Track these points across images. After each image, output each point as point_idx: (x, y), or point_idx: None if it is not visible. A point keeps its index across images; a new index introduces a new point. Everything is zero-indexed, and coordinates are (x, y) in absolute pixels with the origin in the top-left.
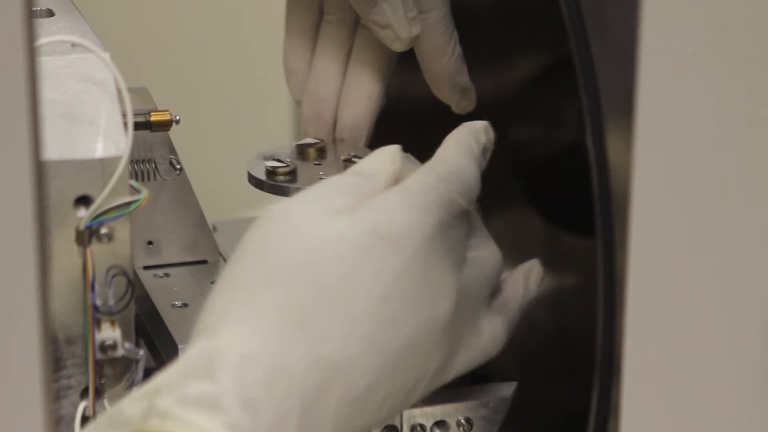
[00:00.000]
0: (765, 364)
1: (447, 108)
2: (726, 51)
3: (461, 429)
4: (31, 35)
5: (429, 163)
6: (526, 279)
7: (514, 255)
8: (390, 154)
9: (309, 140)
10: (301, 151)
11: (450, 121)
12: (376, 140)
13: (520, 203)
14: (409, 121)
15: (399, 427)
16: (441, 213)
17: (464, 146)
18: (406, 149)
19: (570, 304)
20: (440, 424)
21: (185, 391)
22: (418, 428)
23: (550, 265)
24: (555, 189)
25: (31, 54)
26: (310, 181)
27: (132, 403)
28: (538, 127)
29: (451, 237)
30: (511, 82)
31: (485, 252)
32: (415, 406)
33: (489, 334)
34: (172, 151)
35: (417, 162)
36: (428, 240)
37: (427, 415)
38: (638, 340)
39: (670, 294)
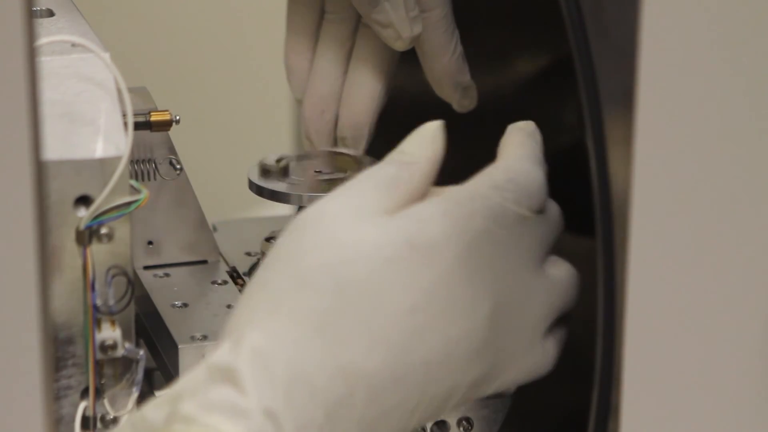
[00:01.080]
0: (765, 364)
1: (448, 106)
2: (726, 51)
3: (461, 429)
4: (31, 35)
5: (487, 169)
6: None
7: None
8: (431, 134)
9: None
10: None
11: (450, 119)
12: (377, 140)
13: None
14: (410, 120)
15: None
16: (487, 223)
17: (527, 150)
18: None
19: None
20: (440, 423)
21: (208, 397)
22: (419, 429)
23: None
24: (555, 189)
25: (31, 54)
26: (308, 184)
27: (154, 408)
28: (538, 127)
29: (502, 248)
30: (511, 82)
31: (558, 271)
32: None
33: (541, 354)
34: (172, 151)
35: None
36: (466, 251)
37: None
38: (638, 340)
39: (669, 294)
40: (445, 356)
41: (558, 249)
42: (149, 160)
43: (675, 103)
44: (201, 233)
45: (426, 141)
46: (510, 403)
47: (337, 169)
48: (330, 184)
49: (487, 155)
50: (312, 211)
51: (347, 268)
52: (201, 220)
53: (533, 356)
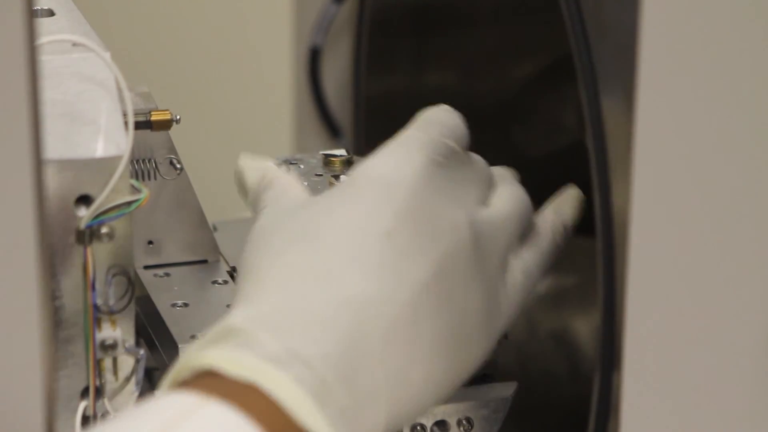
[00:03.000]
0: (765, 364)
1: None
2: (726, 51)
3: (461, 429)
4: (31, 35)
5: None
6: (559, 205)
7: None
8: None
9: (336, 152)
10: (327, 161)
11: None
12: (378, 139)
13: None
14: (410, 120)
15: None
16: (429, 152)
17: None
18: None
19: (570, 304)
20: (440, 423)
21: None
22: (419, 428)
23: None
24: (555, 189)
25: (32, 53)
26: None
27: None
28: (538, 127)
29: (450, 175)
30: (511, 82)
31: (507, 191)
32: None
33: (520, 271)
34: (173, 150)
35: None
36: (421, 177)
37: (427, 414)
38: (638, 340)
39: (669, 293)
40: (439, 274)
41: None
42: (149, 160)
43: (675, 102)
44: (201, 233)
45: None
46: (510, 402)
47: (332, 171)
48: (329, 186)
49: (488, 155)
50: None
51: (311, 217)
52: (201, 220)
53: (512, 274)
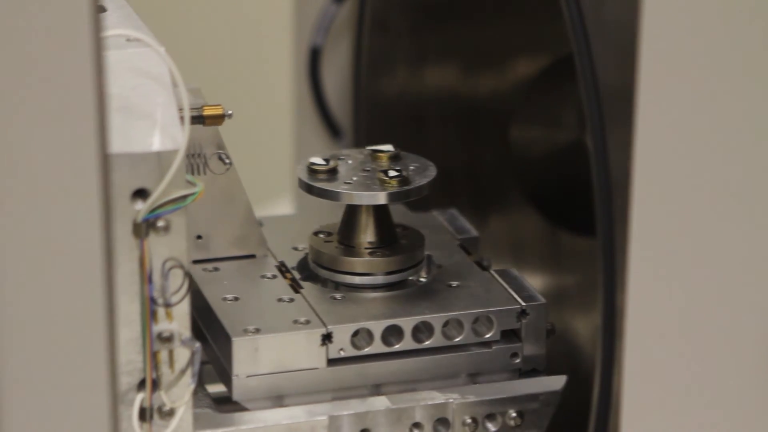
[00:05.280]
0: (765, 364)
1: (447, 106)
2: (726, 51)
3: (512, 422)
4: (97, 28)
5: None
6: None
7: (514, 255)
8: None
9: (383, 147)
10: (374, 156)
11: (451, 119)
12: (378, 139)
13: (520, 203)
14: (410, 119)
15: (450, 420)
16: None
17: None
18: (405, 148)
19: (570, 304)
20: (491, 417)
21: None
22: (470, 421)
23: (550, 265)
24: (555, 189)
25: (98, 47)
26: (361, 184)
27: None
28: (538, 127)
29: None
30: (511, 82)
31: None
32: (466, 399)
33: None
34: (221, 145)
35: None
36: None
37: (478, 408)
38: (638, 339)
39: (670, 293)
40: None
41: (558, 248)
42: (199, 155)
43: (675, 102)
44: (249, 227)
45: None
46: (560, 396)
47: (380, 166)
48: (378, 181)
49: (488, 154)
50: None
51: None
52: (249, 215)
53: None
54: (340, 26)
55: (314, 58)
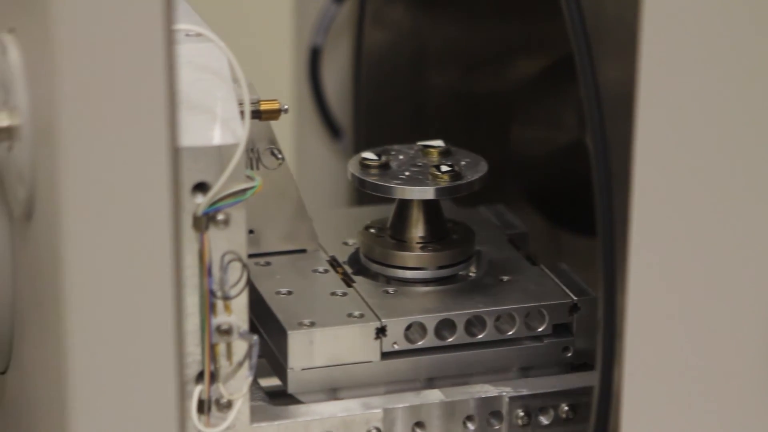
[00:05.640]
0: (765, 363)
1: (448, 106)
2: (726, 51)
3: (565, 415)
4: (169, 21)
5: None
6: None
7: None
8: None
9: (433, 142)
10: (425, 151)
11: (451, 119)
12: (378, 139)
13: (520, 203)
14: (411, 118)
15: (503, 413)
16: None
17: None
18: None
19: None
20: (544, 410)
21: None
22: (523, 415)
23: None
24: (555, 188)
25: (170, 41)
26: (414, 179)
27: None
28: (538, 127)
29: None
30: (511, 82)
31: None
32: (519, 393)
33: None
34: (274, 141)
35: None
36: None
37: (531, 402)
38: (638, 339)
39: (669, 292)
40: None
41: (558, 248)
42: (251, 150)
43: (675, 102)
44: (300, 222)
45: None
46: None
47: (431, 161)
48: (431, 176)
49: (487, 154)
50: None
51: None
52: (301, 210)
53: None
54: (340, 26)
55: (314, 58)
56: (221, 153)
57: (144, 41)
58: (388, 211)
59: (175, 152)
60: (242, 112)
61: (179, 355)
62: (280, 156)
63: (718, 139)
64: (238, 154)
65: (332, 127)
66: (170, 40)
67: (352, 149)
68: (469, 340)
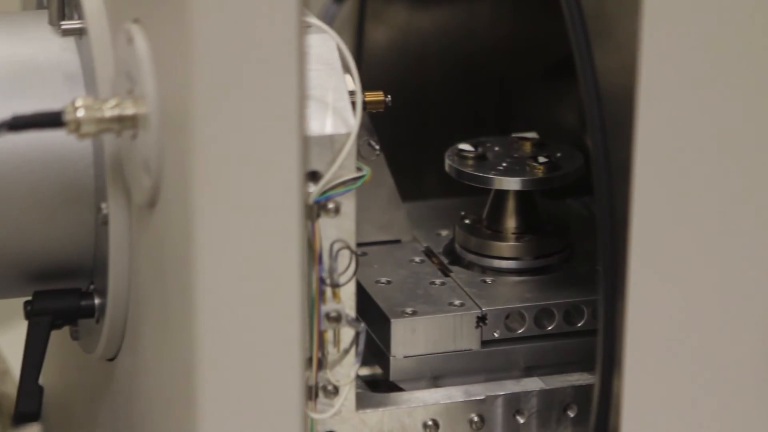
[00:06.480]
0: (765, 363)
1: (448, 105)
2: (726, 51)
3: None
4: (301, 11)
5: None
6: None
7: None
8: None
9: (527, 134)
10: (517, 144)
11: (451, 119)
12: (379, 138)
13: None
14: (411, 118)
15: None
16: None
17: None
18: (406, 147)
19: None
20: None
21: None
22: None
23: None
24: (555, 189)
25: (302, 31)
26: (510, 170)
27: None
28: (538, 127)
29: None
30: (511, 81)
31: None
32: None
33: None
34: (372, 132)
35: None
36: None
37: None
38: (638, 339)
39: (670, 293)
40: None
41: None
42: None
43: (675, 102)
44: (396, 213)
45: None
46: None
47: (524, 153)
48: (528, 167)
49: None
50: None
51: None
52: (396, 200)
53: None
54: (341, 25)
55: None
56: (333, 142)
57: (278, 31)
58: (462, 205)
59: (304, 141)
60: (353, 102)
61: (302, 340)
62: (377, 147)
63: (719, 139)
64: (350, 144)
65: None
66: (302, 30)
67: None
68: (568, 329)
